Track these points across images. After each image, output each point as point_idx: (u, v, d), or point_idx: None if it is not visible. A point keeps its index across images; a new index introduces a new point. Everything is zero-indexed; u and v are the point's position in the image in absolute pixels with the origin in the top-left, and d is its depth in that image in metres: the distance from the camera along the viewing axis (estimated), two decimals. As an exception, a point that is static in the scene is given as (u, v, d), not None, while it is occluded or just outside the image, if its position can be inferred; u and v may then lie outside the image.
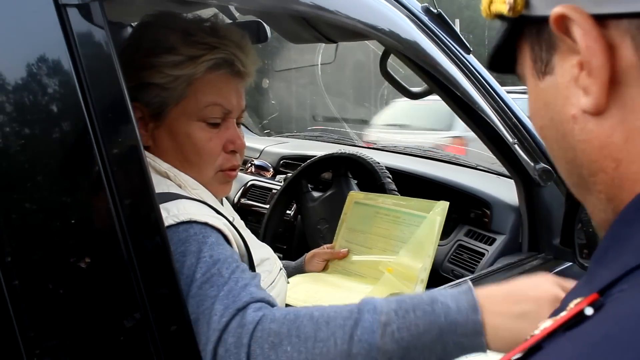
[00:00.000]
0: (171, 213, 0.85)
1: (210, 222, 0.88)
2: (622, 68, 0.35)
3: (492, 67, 0.48)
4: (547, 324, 0.34)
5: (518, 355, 0.33)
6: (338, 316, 0.75)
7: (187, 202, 0.90)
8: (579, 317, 0.33)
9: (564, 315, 0.33)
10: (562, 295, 0.70)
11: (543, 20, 0.38)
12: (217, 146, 1.00)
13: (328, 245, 1.55)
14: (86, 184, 0.68)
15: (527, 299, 0.73)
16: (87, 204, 0.69)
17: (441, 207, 1.31)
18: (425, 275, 1.23)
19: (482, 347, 0.71)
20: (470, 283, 0.76)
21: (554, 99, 0.40)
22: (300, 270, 1.50)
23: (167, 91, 0.96)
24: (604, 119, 0.36)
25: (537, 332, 0.34)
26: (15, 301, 0.61)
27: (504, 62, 0.47)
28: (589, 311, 0.32)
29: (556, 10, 0.36)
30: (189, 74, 0.95)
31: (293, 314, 0.77)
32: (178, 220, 0.85)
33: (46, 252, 0.65)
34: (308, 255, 1.50)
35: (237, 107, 1.02)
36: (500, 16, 0.43)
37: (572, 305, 0.34)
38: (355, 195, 1.59)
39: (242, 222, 1.16)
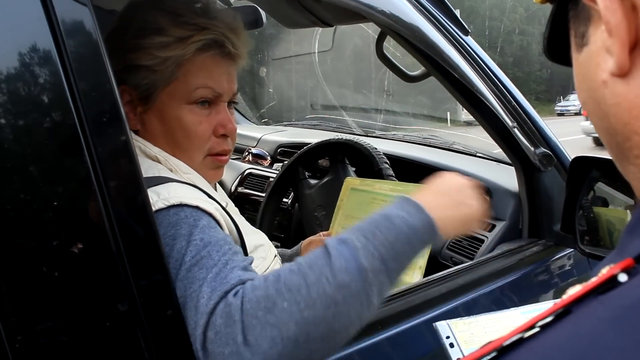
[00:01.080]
0: (161, 196, 0.83)
1: (202, 205, 0.86)
2: None
3: (553, 58, 0.50)
4: (576, 289, 0.32)
5: (548, 320, 0.31)
6: (315, 260, 0.77)
7: (178, 185, 0.88)
8: (611, 283, 0.31)
9: (594, 280, 0.32)
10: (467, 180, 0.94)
11: None
12: (207, 130, 0.99)
13: (324, 232, 1.53)
14: (73, 171, 0.66)
15: (451, 189, 0.90)
16: (74, 191, 0.66)
17: None
18: (423, 263, 1.21)
19: (438, 237, 0.85)
20: (404, 195, 0.87)
21: (588, 68, 0.40)
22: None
23: (155, 73, 0.94)
24: (631, 80, 0.36)
25: (564, 297, 0.32)
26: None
27: (562, 52, 0.47)
28: (622, 277, 0.31)
29: None
30: (178, 56, 0.93)
31: (272, 276, 0.76)
32: (168, 204, 0.82)
33: (31, 238, 0.62)
34: (304, 242, 1.47)
35: (228, 90, 1.00)
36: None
37: (604, 271, 0.32)
38: (351, 181, 1.57)
39: (236, 208, 1.14)
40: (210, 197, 0.92)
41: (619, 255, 0.35)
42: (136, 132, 0.97)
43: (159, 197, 0.83)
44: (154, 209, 0.79)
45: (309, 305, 0.73)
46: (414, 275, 1.19)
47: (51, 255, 0.63)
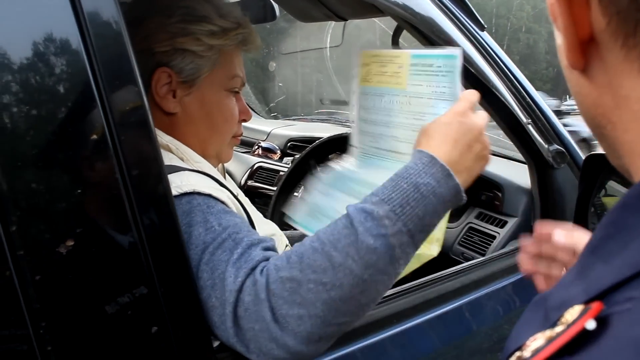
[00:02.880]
0: (174, 184, 0.83)
1: (214, 193, 0.86)
2: (597, 31, 0.33)
3: None
4: (539, 344, 0.29)
5: None
6: (339, 237, 0.76)
7: (190, 173, 0.89)
8: (581, 333, 0.28)
9: (561, 334, 0.29)
10: (483, 119, 0.87)
11: None
12: (237, 115, 1.05)
13: None
14: (95, 159, 0.66)
15: (470, 139, 0.84)
16: (97, 180, 0.67)
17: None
18: (440, 235, 1.12)
19: (463, 199, 0.83)
20: (429, 153, 0.81)
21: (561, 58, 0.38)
22: None
23: (202, 59, 0.97)
24: (591, 77, 0.34)
25: (526, 354, 0.29)
26: (19, 271, 0.59)
27: None
28: (591, 325, 0.28)
29: None
30: (221, 45, 0.98)
31: (295, 256, 0.76)
32: (181, 192, 0.83)
33: (51, 223, 0.63)
34: None
35: (244, 80, 1.08)
36: None
37: (569, 317, 0.29)
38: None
39: (247, 198, 1.15)
40: (221, 185, 0.93)
41: (581, 279, 0.32)
42: (174, 115, 0.99)
43: (171, 186, 0.83)
44: None
45: (335, 285, 0.74)
46: (431, 247, 1.12)
47: (76, 240, 0.63)
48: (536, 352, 0.29)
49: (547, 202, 1.50)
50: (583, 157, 1.42)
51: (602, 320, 0.28)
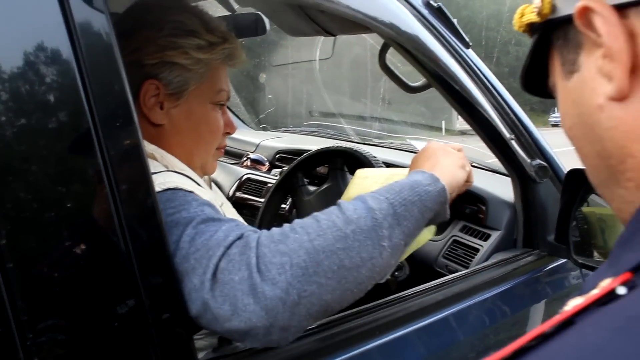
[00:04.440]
0: (157, 182, 0.84)
1: (197, 191, 0.89)
2: None
3: (527, 89, 0.52)
4: (577, 301, 0.34)
5: (550, 330, 0.33)
6: (327, 210, 0.85)
7: (173, 174, 0.91)
8: (611, 296, 0.33)
9: (595, 293, 0.33)
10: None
11: (568, 20, 0.41)
12: (222, 127, 1.09)
13: None
14: (85, 171, 0.68)
15: (445, 156, 1.00)
16: (87, 193, 0.68)
17: None
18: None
19: (447, 213, 0.94)
20: (417, 170, 0.95)
21: (581, 93, 0.42)
22: None
23: (189, 72, 0.99)
24: (630, 103, 0.38)
25: (567, 308, 0.34)
26: (8, 283, 0.60)
27: (536, 83, 0.50)
28: (621, 290, 0.32)
29: (579, 5, 0.39)
30: (208, 59, 1.01)
31: (288, 225, 0.83)
32: (164, 187, 0.85)
33: (41, 233, 0.64)
34: None
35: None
36: (530, 28, 0.47)
37: (603, 284, 0.33)
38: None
39: (233, 209, 1.18)
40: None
41: (612, 267, 0.36)
42: (160, 126, 1.01)
43: (155, 183, 0.85)
44: None
45: (319, 234, 0.78)
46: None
47: (64, 252, 0.65)
48: (575, 306, 0.33)
49: (529, 216, 1.53)
50: (565, 171, 1.45)
51: (631, 288, 0.32)
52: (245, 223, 1.17)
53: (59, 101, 0.66)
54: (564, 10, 0.42)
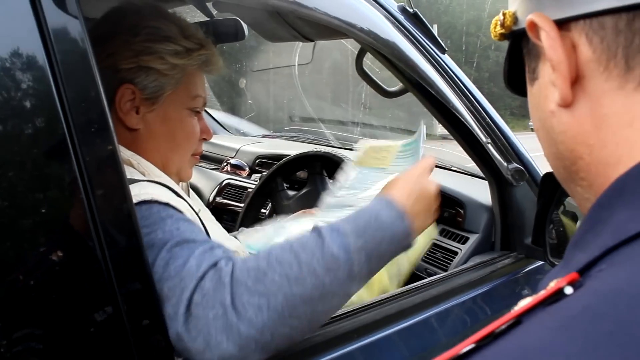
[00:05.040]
0: (132, 193, 0.81)
1: (173, 203, 0.88)
2: (582, 62, 0.40)
3: (512, 89, 0.54)
4: (526, 301, 0.35)
5: (500, 329, 0.34)
6: (307, 241, 0.83)
7: (149, 184, 0.90)
8: (558, 295, 0.34)
9: (543, 293, 0.34)
10: (435, 185, 1.03)
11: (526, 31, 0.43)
12: (198, 134, 1.08)
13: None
14: (59, 178, 0.67)
15: (424, 195, 0.98)
16: (61, 199, 0.68)
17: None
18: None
19: (412, 244, 0.94)
20: (389, 197, 0.94)
21: (539, 99, 0.45)
22: None
23: (165, 77, 1.00)
24: (575, 110, 0.41)
25: (516, 308, 0.35)
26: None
27: (518, 83, 0.52)
28: (568, 290, 0.33)
29: (527, 18, 0.42)
30: (184, 64, 1.01)
31: (263, 252, 0.81)
32: (139, 199, 0.84)
33: (16, 240, 0.64)
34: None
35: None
36: (504, 37, 0.50)
37: (551, 284, 0.34)
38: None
39: (211, 215, 1.18)
40: (181, 197, 0.94)
41: (565, 267, 0.37)
42: (136, 131, 1.01)
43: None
44: None
45: (299, 282, 0.77)
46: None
47: (37, 257, 0.64)
48: (523, 306, 0.35)
49: (507, 219, 1.55)
50: (541, 174, 1.46)
51: (578, 287, 0.34)
52: (224, 231, 1.18)
53: (34, 107, 0.66)
54: (522, 22, 0.45)
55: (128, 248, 0.72)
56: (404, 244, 0.92)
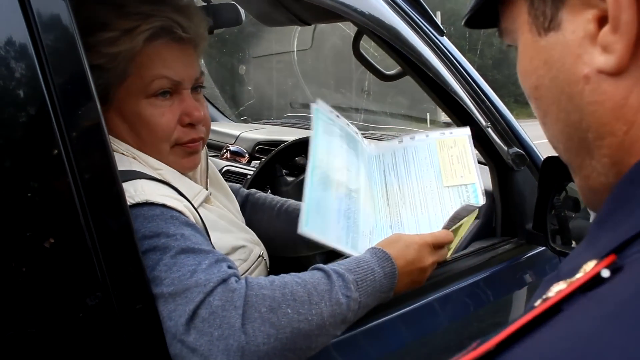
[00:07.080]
0: (128, 194, 0.79)
1: (169, 203, 0.84)
2: None
3: (469, 24, 0.47)
4: (561, 287, 0.32)
5: (538, 319, 0.31)
6: (319, 283, 0.85)
7: (146, 182, 0.86)
8: (595, 280, 0.31)
9: (580, 277, 0.32)
10: (434, 260, 1.03)
11: None
12: (170, 121, 0.95)
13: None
14: (47, 163, 0.66)
15: (419, 266, 1.00)
16: (49, 184, 0.67)
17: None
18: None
19: (389, 299, 0.98)
20: (389, 254, 0.97)
21: (560, 57, 0.38)
22: None
23: (108, 72, 0.90)
24: (622, 80, 0.34)
25: (551, 294, 0.32)
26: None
27: (482, 18, 0.45)
28: (605, 273, 0.31)
29: None
30: (127, 49, 0.89)
31: (278, 281, 0.82)
32: (133, 202, 0.81)
33: (6, 230, 0.62)
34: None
35: (187, 76, 0.96)
36: None
37: (586, 268, 0.32)
38: None
39: (227, 202, 1.19)
40: (180, 194, 0.90)
41: (592, 248, 0.34)
42: (125, 125, 0.95)
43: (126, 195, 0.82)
44: None
45: (307, 320, 0.79)
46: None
47: (26, 247, 0.63)
48: (559, 292, 0.32)
49: (507, 204, 1.53)
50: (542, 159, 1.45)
51: (616, 271, 0.31)
52: (238, 221, 1.14)
53: (22, 97, 0.64)
54: None
55: (121, 246, 0.71)
56: (385, 297, 0.96)
